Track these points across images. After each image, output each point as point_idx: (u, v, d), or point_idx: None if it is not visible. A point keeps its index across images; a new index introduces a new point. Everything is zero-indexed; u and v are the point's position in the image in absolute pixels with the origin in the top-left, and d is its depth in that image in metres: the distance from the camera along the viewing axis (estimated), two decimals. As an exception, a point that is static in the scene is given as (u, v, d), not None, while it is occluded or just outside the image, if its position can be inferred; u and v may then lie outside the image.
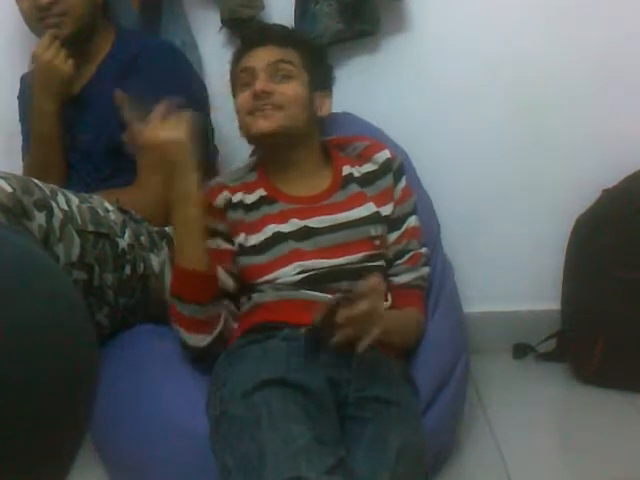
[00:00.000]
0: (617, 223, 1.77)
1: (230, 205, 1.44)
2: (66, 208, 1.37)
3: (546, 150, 1.91)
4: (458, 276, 1.72)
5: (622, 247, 1.74)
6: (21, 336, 0.51)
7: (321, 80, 1.53)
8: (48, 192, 1.35)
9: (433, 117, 1.89)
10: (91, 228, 1.40)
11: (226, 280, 1.40)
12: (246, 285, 1.43)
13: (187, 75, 1.70)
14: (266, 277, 1.40)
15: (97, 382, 0.60)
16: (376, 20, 1.81)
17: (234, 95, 1.52)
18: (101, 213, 1.46)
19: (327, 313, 1.17)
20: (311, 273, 1.39)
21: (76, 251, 1.36)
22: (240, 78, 1.48)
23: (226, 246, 1.42)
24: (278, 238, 1.41)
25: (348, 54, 1.87)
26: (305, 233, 1.42)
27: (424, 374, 1.41)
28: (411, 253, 1.49)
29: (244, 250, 1.43)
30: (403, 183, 1.53)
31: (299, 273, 1.38)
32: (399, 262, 1.48)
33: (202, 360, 1.37)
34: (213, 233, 1.41)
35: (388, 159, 1.52)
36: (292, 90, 1.44)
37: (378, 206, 1.47)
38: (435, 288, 1.58)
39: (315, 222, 1.43)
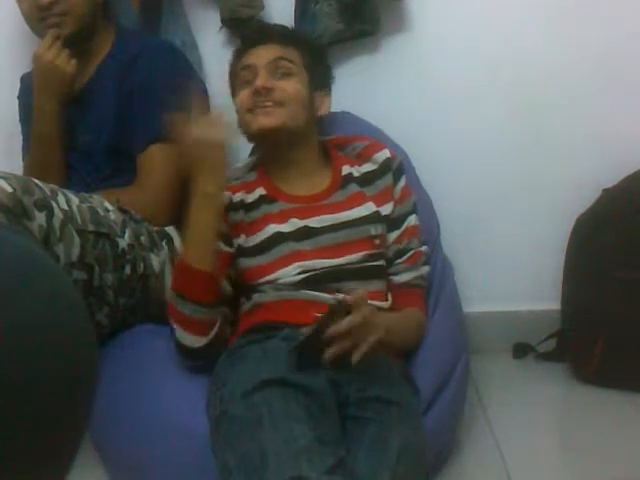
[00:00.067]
0: (617, 223, 1.77)
1: (231, 205, 1.44)
2: (66, 208, 1.37)
3: (546, 150, 1.91)
4: (458, 276, 1.72)
5: (622, 247, 1.74)
6: (21, 336, 0.51)
7: (321, 80, 1.53)
8: (48, 192, 1.35)
9: (433, 117, 1.89)
10: (91, 228, 1.40)
11: (224, 285, 1.40)
12: (246, 286, 1.43)
13: (187, 75, 1.70)
14: (267, 277, 1.40)
15: (97, 382, 0.60)
16: (376, 20, 1.81)
17: (233, 95, 1.52)
18: (101, 213, 1.46)
19: (316, 329, 1.17)
20: (312, 273, 1.39)
21: (76, 251, 1.36)
22: (241, 76, 1.49)
23: (226, 249, 1.42)
24: (278, 238, 1.41)
25: (348, 54, 1.87)
26: (305, 233, 1.42)
27: (424, 374, 1.41)
28: (411, 252, 1.49)
29: (244, 251, 1.43)
30: (402, 182, 1.53)
31: (299, 273, 1.38)
32: (399, 261, 1.48)
33: (193, 360, 1.36)
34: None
35: (387, 158, 1.52)
36: (292, 87, 1.44)
37: (378, 205, 1.47)
38: (435, 288, 1.58)
39: (315, 222, 1.43)
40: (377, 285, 1.43)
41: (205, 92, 1.74)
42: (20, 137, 1.81)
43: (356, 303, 1.17)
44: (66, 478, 0.58)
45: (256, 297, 1.40)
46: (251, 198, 1.46)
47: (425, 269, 1.51)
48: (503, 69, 1.87)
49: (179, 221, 1.57)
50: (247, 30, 1.72)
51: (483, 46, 1.85)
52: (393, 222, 1.49)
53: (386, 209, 1.48)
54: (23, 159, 1.78)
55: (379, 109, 1.84)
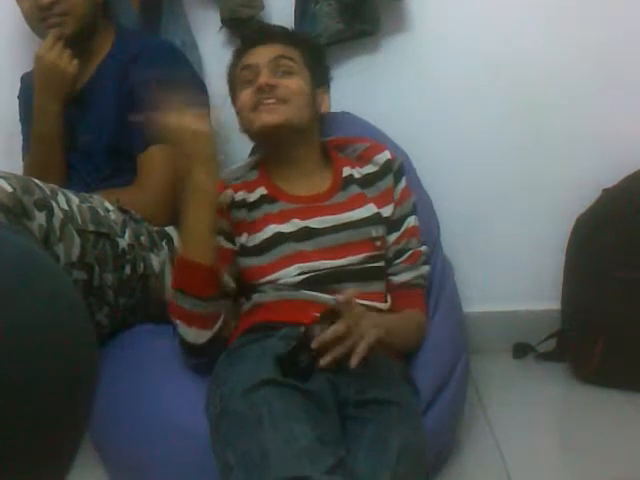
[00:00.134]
0: (617, 223, 1.77)
1: (234, 204, 1.44)
2: (66, 208, 1.37)
3: (546, 150, 1.91)
4: (458, 276, 1.72)
5: (622, 247, 1.74)
6: (21, 336, 0.51)
7: (321, 78, 1.54)
8: (48, 192, 1.35)
9: (433, 117, 1.89)
10: (91, 228, 1.40)
11: (227, 280, 1.40)
12: (247, 286, 1.43)
13: (187, 75, 1.70)
14: (267, 278, 1.40)
15: (97, 382, 0.60)
16: (376, 20, 1.81)
17: (233, 95, 1.52)
18: (101, 213, 1.46)
19: (301, 339, 1.17)
20: (312, 274, 1.38)
21: (76, 251, 1.36)
22: (241, 76, 1.48)
23: (228, 246, 1.42)
24: (279, 239, 1.41)
25: (348, 54, 1.87)
26: (306, 233, 1.42)
27: (424, 374, 1.41)
28: (410, 252, 1.49)
29: (245, 251, 1.43)
30: (403, 184, 1.53)
31: (300, 274, 1.38)
32: (398, 261, 1.48)
33: (197, 357, 1.36)
34: (216, 231, 1.40)
35: (388, 160, 1.52)
36: (295, 84, 1.44)
37: (379, 207, 1.47)
38: (435, 288, 1.58)
39: (316, 222, 1.43)
40: (377, 287, 1.43)
41: (205, 92, 1.74)
42: (20, 137, 1.81)
43: (345, 306, 1.17)
44: (66, 478, 0.58)
45: (256, 297, 1.40)
46: (252, 197, 1.46)
47: (425, 268, 1.51)
48: (503, 69, 1.87)
49: (179, 221, 1.57)
50: (247, 30, 1.72)
51: (483, 46, 1.85)
52: (393, 224, 1.49)
53: (387, 211, 1.48)
54: (23, 159, 1.78)
55: (379, 109, 1.84)
